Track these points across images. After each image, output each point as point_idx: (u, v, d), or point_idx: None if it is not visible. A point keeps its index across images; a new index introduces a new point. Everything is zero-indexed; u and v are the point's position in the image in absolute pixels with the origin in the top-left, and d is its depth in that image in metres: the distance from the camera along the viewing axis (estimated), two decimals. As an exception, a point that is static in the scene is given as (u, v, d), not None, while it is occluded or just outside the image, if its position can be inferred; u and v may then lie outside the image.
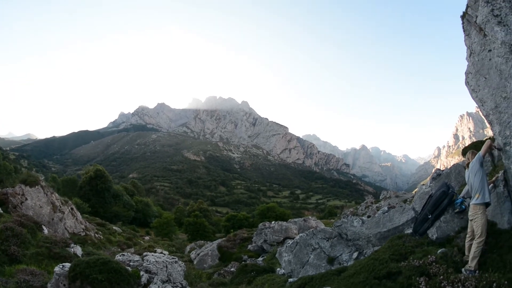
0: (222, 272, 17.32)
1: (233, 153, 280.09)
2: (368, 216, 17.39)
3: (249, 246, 23.76)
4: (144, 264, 8.97)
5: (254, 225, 34.97)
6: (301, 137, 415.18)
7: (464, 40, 7.15)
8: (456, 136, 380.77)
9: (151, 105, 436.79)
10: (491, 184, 6.95)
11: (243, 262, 18.41)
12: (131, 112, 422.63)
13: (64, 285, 7.16)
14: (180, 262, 9.93)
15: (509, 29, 5.75)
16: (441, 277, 5.72)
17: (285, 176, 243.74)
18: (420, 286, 5.71)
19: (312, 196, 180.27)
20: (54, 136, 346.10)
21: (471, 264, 5.83)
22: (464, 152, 6.60)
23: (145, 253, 10.13)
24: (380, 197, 43.25)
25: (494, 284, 4.97)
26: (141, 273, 8.38)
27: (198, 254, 24.47)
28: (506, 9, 5.77)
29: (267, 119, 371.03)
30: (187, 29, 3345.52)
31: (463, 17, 7.21)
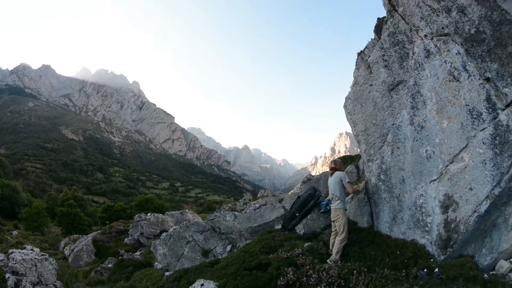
0: (99, 269, 16.27)
1: (115, 137, 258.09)
2: (246, 212, 18.55)
3: (126, 240, 22.62)
4: (10, 264, 7.72)
5: (132, 216, 33.32)
6: (186, 129, 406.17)
7: (354, 71, 8.48)
8: (333, 149, 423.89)
9: (35, 65, 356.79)
10: None
11: (120, 257, 17.51)
12: (9, 69, 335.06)
13: None
14: (51, 259, 8.82)
15: (392, 73, 7.18)
16: (308, 266, 6.36)
17: (166, 167, 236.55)
18: (288, 275, 6.15)
19: (192, 189, 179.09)
20: None
21: (336, 257, 6.84)
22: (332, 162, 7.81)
23: (11, 251, 8.68)
24: (258, 195, 45.15)
25: (355, 271, 5.82)
26: (7, 275, 7.24)
27: (73, 250, 22.33)
28: (394, 57, 7.19)
29: (155, 105, 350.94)
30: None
31: (359, 54, 8.61)
